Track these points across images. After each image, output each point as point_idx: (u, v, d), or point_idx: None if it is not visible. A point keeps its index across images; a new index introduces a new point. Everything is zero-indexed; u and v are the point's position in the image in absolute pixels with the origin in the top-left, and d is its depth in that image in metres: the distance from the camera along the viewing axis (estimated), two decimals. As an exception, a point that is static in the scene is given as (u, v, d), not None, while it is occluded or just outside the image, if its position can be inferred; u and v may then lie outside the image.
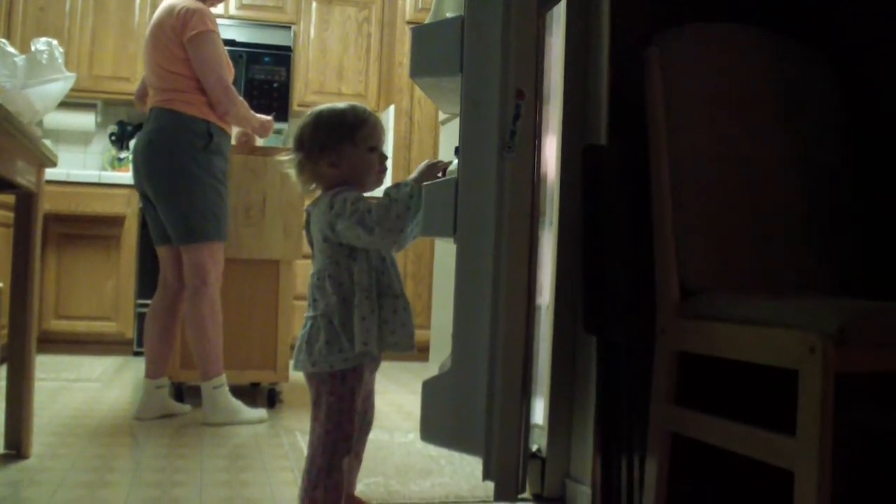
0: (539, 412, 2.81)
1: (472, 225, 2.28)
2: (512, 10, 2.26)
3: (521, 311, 2.27)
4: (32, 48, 2.89)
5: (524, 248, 2.28)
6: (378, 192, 2.14)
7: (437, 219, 2.33)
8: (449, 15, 2.36)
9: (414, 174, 2.24)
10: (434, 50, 2.42)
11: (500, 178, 2.25)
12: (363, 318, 2.04)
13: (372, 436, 3.05)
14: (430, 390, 2.39)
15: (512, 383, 2.26)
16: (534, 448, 2.78)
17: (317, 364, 2.07)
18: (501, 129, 2.25)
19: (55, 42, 2.92)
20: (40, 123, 5.89)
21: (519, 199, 2.26)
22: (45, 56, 2.85)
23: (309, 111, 2.20)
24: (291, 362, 2.16)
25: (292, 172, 2.17)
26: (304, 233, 2.25)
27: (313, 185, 2.17)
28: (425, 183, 2.19)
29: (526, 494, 2.77)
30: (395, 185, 2.10)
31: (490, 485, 2.33)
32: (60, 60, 2.91)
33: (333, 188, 2.11)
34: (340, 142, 2.12)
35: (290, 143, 2.18)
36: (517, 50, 2.26)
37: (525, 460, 2.38)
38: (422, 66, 2.48)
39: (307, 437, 2.17)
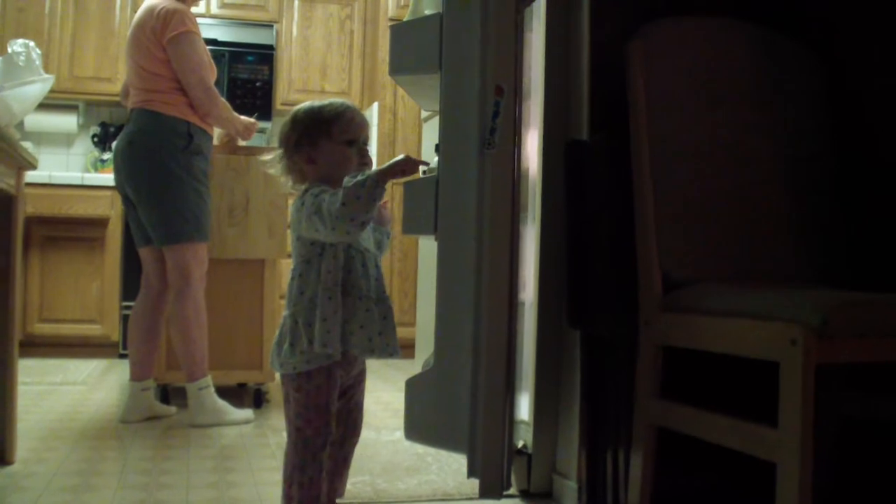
0: (524, 408, 2.81)
1: (454, 222, 2.28)
2: (490, 7, 2.25)
3: (503, 307, 2.27)
4: (9, 50, 2.87)
5: (505, 245, 2.27)
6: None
7: (418, 216, 2.33)
8: (427, 12, 2.35)
9: (383, 166, 2.18)
10: (413, 47, 2.42)
11: (480, 174, 2.24)
12: (324, 318, 2.01)
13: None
14: (414, 388, 2.39)
15: (495, 379, 2.26)
16: (520, 444, 2.78)
17: (283, 365, 2.06)
18: (481, 126, 2.25)
19: (32, 44, 2.91)
20: (21, 125, 5.87)
21: (500, 195, 2.26)
22: (22, 58, 2.83)
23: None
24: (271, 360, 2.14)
25: (276, 170, 2.16)
26: (289, 232, 2.23)
27: (292, 183, 2.16)
28: (406, 180, 2.17)
29: (513, 490, 2.77)
30: (353, 175, 2.03)
31: (476, 481, 2.32)
32: (38, 62, 2.89)
33: (315, 184, 2.08)
34: (317, 136, 2.09)
35: (274, 143, 2.17)
36: (496, 46, 2.25)
37: (510, 456, 2.38)
38: (401, 64, 2.48)
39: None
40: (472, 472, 2.29)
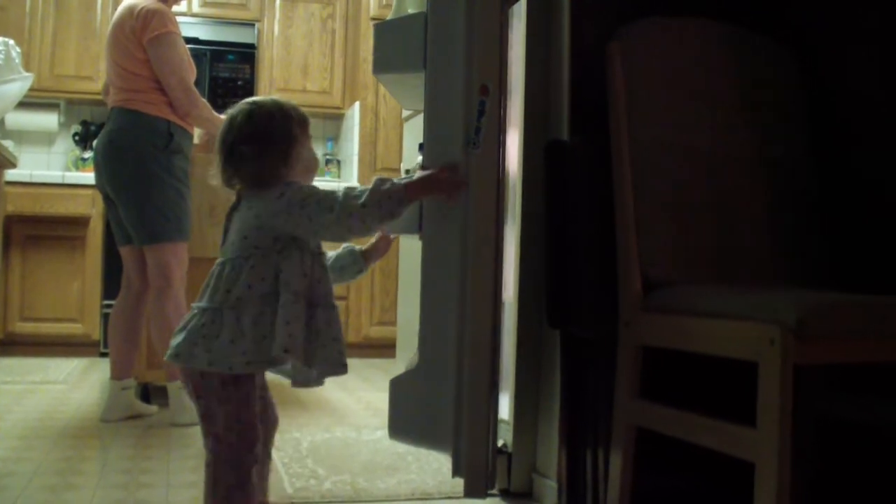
0: (505, 407, 2.82)
1: (438, 222, 2.27)
2: (475, 6, 2.25)
3: (488, 306, 2.26)
4: (-11, 49, 2.87)
5: (490, 245, 2.27)
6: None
7: (404, 216, 2.33)
8: (411, 11, 2.35)
9: (415, 177, 2.11)
10: (397, 46, 2.41)
11: (465, 174, 2.24)
12: (287, 322, 1.87)
13: (339, 433, 3.05)
14: (398, 388, 2.39)
15: (480, 379, 2.25)
16: (500, 443, 2.78)
17: (215, 363, 1.89)
18: (466, 126, 2.24)
19: (12, 42, 2.90)
20: (1, 124, 5.85)
21: (485, 194, 2.25)
22: (1, 56, 2.82)
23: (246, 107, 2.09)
24: (170, 353, 1.97)
25: (219, 174, 2.07)
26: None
27: (238, 184, 2.06)
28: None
29: (493, 490, 2.78)
30: (381, 177, 2.00)
31: (457, 481, 2.33)
32: (18, 61, 2.89)
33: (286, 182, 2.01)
34: (297, 136, 2.06)
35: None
36: (481, 45, 2.24)
37: (494, 456, 2.38)
38: (385, 63, 2.48)
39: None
40: (456, 472, 2.29)
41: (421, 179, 2.10)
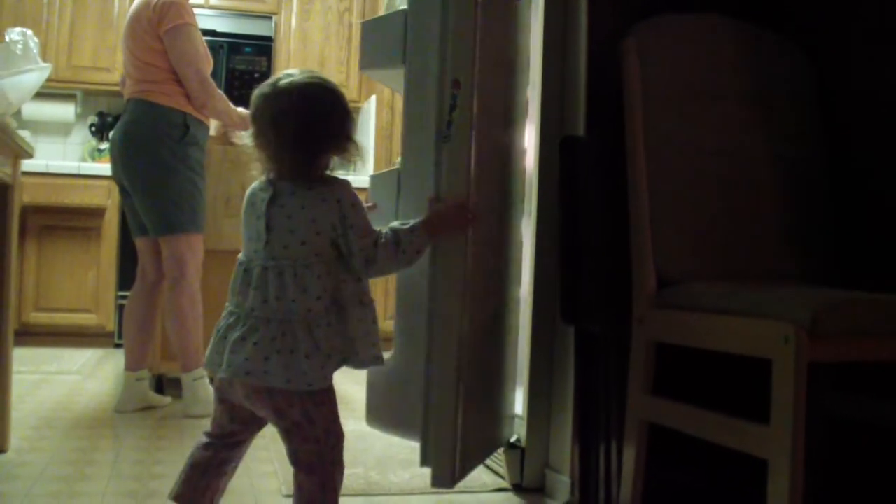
0: (519, 403, 2.82)
1: (412, 215, 2.27)
2: (450, 2, 2.24)
3: (456, 297, 2.23)
4: (6, 38, 2.87)
5: (460, 240, 2.24)
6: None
7: (382, 209, 2.34)
8: (403, 7, 2.36)
9: (432, 217, 2.09)
10: (380, 43, 2.42)
11: (437, 167, 2.23)
12: (367, 333, 1.94)
13: (352, 426, 3.05)
14: (374, 376, 2.39)
15: (446, 373, 2.23)
16: (513, 438, 2.79)
17: (293, 381, 1.83)
18: (438, 119, 2.24)
19: (30, 32, 2.90)
20: (18, 114, 5.86)
21: (455, 188, 2.22)
22: (19, 46, 2.82)
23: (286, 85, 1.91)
24: (237, 369, 1.85)
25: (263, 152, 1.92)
26: (259, 214, 1.92)
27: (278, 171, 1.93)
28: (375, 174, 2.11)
29: (505, 484, 2.78)
30: (403, 222, 2.01)
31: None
32: (35, 51, 2.89)
33: (338, 183, 1.93)
34: (349, 130, 1.96)
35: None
36: (455, 40, 2.23)
37: (463, 448, 2.35)
38: (369, 59, 2.48)
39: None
40: (424, 462, 2.28)
41: (438, 224, 2.08)
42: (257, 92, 1.92)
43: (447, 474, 2.26)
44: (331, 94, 1.92)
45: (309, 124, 1.87)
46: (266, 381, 1.83)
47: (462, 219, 2.17)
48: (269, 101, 1.89)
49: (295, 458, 1.92)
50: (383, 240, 1.94)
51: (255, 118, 1.91)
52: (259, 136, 1.90)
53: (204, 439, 2.01)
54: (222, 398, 1.97)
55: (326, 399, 1.91)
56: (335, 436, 1.93)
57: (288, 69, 2.00)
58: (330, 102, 1.91)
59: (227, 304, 1.98)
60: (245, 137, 1.94)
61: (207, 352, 1.96)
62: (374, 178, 2.45)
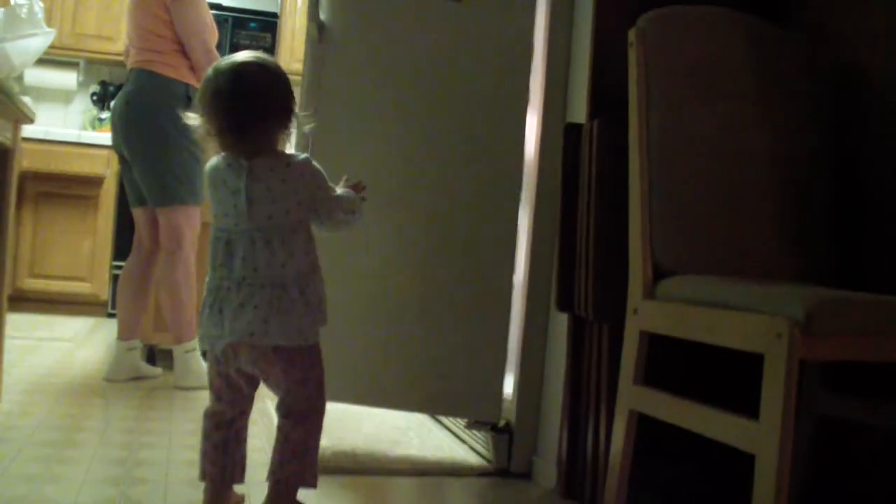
0: (509, 387, 2.83)
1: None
2: None
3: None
4: (11, 2, 2.86)
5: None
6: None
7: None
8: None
9: (351, 192, 2.18)
10: None
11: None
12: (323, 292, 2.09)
13: (343, 406, 3.07)
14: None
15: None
16: (502, 422, 2.79)
17: (292, 338, 1.98)
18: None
19: (36, -3, 2.90)
20: (21, 79, 5.84)
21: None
22: (24, 10, 2.82)
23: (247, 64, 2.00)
24: (241, 333, 1.95)
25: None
26: (235, 190, 2.00)
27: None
28: None
29: (492, 468, 2.79)
30: (347, 188, 2.15)
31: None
32: (40, 16, 2.88)
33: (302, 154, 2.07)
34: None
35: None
36: None
37: None
38: None
39: (277, 405, 2.13)
40: None
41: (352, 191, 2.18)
42: (204, 76, 2.01)
43: None
44: (280, 70, 2.03)
45: (251, 103, 1.97)
46: (269, 340, 1.95)
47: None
48: (210, 83, 1.97)
49: (289, 409, 2.05)
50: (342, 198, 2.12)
51: (201, 100, 2.00)
52: (207, 116, 2.00)
53: (212, 421, 2.10)
54: (220, 371, 2.06)
55: (317, 351, 2.05)
56: (323, 385, 2.08)
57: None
58: (283, 76, 2.02)
59: (207, 279, 2.05)
60: (193, 119, 2.02)
61: (201, 329, 2.05)
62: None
